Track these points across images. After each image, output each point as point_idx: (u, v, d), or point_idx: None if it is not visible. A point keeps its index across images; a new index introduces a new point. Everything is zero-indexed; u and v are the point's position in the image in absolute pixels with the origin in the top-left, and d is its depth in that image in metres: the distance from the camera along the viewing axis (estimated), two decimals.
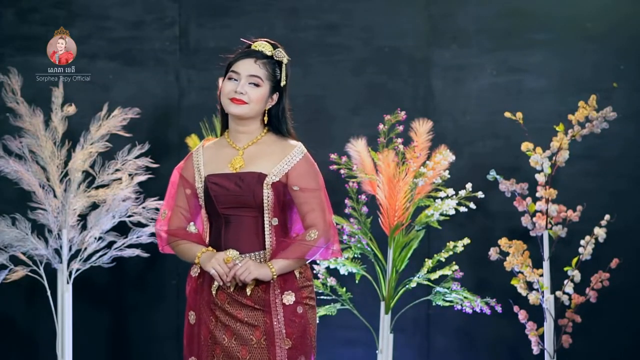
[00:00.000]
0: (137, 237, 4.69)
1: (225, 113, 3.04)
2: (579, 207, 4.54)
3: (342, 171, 4.56)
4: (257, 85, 2.99)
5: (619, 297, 4.82)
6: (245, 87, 2.97)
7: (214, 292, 2.98)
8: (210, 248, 3.02)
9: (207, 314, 2.98)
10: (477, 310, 4.47)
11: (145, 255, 4.77)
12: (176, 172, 3.11)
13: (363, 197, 4.54)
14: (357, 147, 4.52)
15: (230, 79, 3.00)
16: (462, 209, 4.55)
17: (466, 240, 4.53)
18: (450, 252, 4.54)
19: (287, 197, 2.98)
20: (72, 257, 4.69)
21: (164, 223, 3.10)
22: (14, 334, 5.14)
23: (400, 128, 4.52)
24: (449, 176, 4.56)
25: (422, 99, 5.08)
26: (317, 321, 3.10)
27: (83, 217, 4.68)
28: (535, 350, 4.53)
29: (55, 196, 4.61)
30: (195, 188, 3.03)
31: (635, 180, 4.95)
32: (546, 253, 4.55)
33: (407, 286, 4.58)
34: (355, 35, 5.13)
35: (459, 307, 4.51)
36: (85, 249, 4.66)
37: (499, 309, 4.50)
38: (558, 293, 4.54)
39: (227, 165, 2.99)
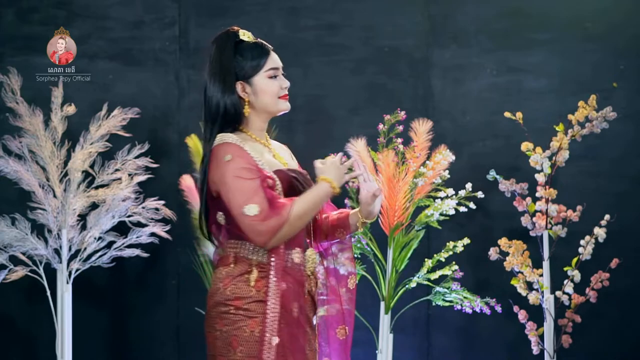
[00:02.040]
0: (137, 237, 4.69)
1: (239, 112, 2.82)
2: (579, 207, 4.54)
3: None
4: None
5: (619, 297, 4.82)
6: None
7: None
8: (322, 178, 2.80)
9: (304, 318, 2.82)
10: (477, 310, 4.46)
11: (145, 255, 4.77)
12: (245, 164, 2.73)
13: None
14: (357, 147, 4.52)
15: (271, 77, 2.85)
16: (462, 209, 4.54)
17: (466, 240, 4.53)
18: (450, 252, 4.54)
19: None
20: (72, 257, 4.68)
21: (268, 209, 2.68)
22: (14, 333, 5.13)
23: (400, 128, 4.52)
24: (448, 176, 4.56)
25: (421, 99, 5.08)
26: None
27: (83, 217, 4.68)
28: (535, 350, 4.53)
29: (55, 196, 4.61)
30: (273, 181, 2.79)
31: (635, 180, 4.95)
32: (546, 253, 4.55)
33: (407, 286, 4.58)
34: (355, 35, 5.13)
35: (458, 307, 4.51)
36: (85, 249, 4.65)
37: (499, 309, 4.49)
38: (558, 293, 4.53)
39: (276, 162, 2.86)
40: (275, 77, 2.86)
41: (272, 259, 2.74)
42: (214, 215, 2.80)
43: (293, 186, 2.80)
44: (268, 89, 2.85)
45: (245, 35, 2.86)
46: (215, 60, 2.82)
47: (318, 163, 2.84)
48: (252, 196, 2.67)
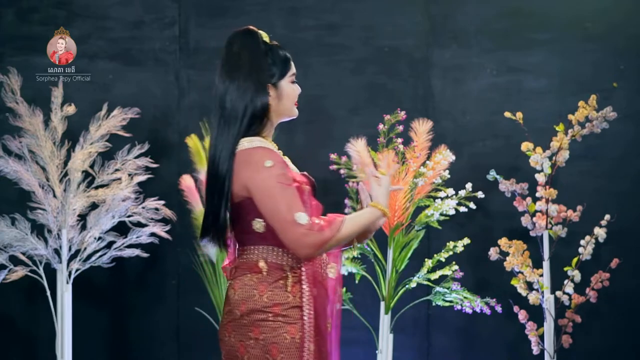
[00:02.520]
0: (137, 237, 4.69)
1: (265, 115, 2.74)
2: (579, 207, 4.54)
3: (342, 171, 4.56)
4: None
5: (619, 297, 4.82)
6: None
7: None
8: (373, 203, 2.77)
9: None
10: (477, 310, 4.46)
11: (145, 255, 4.77)
12: (286, 171, 2.67)
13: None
14: (357, 147, 4.52)
15: (293, 82, 2.82)
16: (462, 209, 4.54)
17: (466, 240, 4.53)
18: (450, 252, 4.54)
19: None
20: (72, 257, 4.68)
21: (318, 220, 2.64)
22: (14, 333, 5.13)
23: (400, 128, 4.52)
24: (449, 176, 4.56)
25: (422, 99, 5.08)
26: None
27: (83, 217, 4.68)
28: (535, 350, 4.53)
29: (54, 196, 4.61)
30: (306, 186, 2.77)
31: (636, 180, 4.95)
32: (546, 253, 4.55)
33: (407, 286, 4.58)
34: (355, 35, 5.13)
35: (459, 307, 4.51)
36: (85, 249, 4.65)
37: (499, 309, 4.49)
38: (558, 293, 4.53)
39: (295, 167, 2.84)
40: (294, 82, 2.84)
41: (303, 264, 2.70)
42: (245, 221, 2.69)
43: (315, 191, 2.78)
44: (291, 94, 2.81)
45: (266, 37, 2.79)
46: (246, 60, 2.72)
47: (374, 181, 2.82)
48: (298, 204, 2.62)
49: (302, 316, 2.65)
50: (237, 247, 2.78)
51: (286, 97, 2.79)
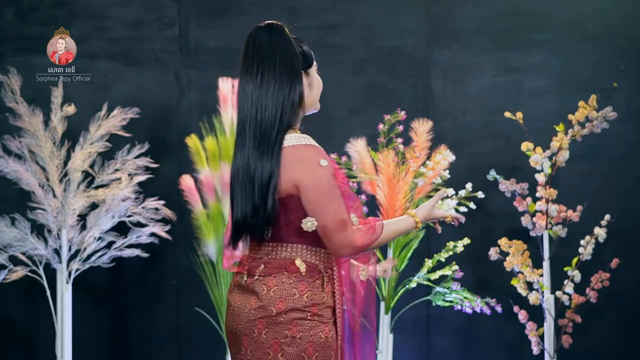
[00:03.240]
0: (137, 237, 4.69)
1: (297, 107, 2.69)
2: (579, 207, 4.54)
3: (342, 171, 4.55)
4: None
5: (619, 297, 4.82)
6: None
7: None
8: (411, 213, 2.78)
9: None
10: (477, 310, 4.46)
11: (145, 255, 4.77)
12: (333, 171, 2.66)
13: (363, 197, 4.54)
14: (357, 147, 4.52)
15: (317, 72, 2.78)
16: (462, 209, 4.54)
17: (466, 240, 4.53)
18: (450, 252, 4.54)
19: None
20: (72, 257, 4.68)
21: (362, 225, 2.66)
22: (14, 333, 5.13)
23: (400, 128, 4.52)
24: (449, 176, 4.56)
25: (422, 99, 5.08)
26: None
27: (82, 217, 4.68)
28: (535, 350, 4.53)
29: (54, 196, 4.61)
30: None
31: (636, 180, 4.95)
32: (546, 253, 4.55)
33: (407, 286, 4.58)
34: (355, 35, 5.13)
35: (459, 307, 4.51)
36: (85, 249, 4.65)
37: (499, 309, 4.49)
38: (558, 293, 4.53)
39: None
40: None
41: (336, 265, 2.70)
42: (288, 218, 2.65)
43: None
44: (319, 83, 2.77)
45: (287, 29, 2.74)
46: (278, 50, 2.65)
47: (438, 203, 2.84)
48: (344, 205, 2.61)
49: (334, 316, 2.66)
50: (256, 242, 2.71)
51: (316, 85, 2.74)
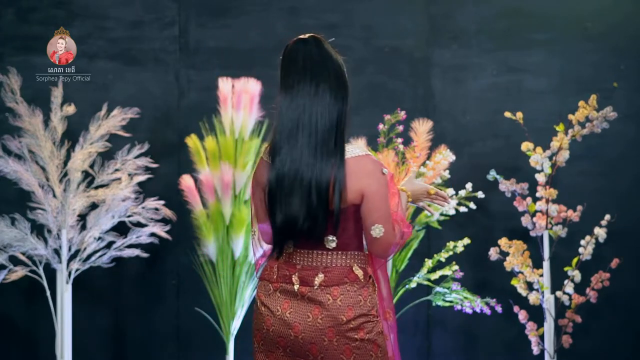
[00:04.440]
0: (137, 237, 4.69)
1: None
2: (579, 207, 4.53)
3: None
4: None
5: (619, 297, 4.82)
6: None
7: None
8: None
9: None
10: (477, 310, 4.46)
11: (145, 255, 4.77)
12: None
13: None
14: None
15: None
16: (462, 209, 4.54)
17: (466, 240, 4.53)
18: (450, 252, 4.54)
19: None
20: (72, 257, 4.68)
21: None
22: (14, 334, 5.13)
23: (400, 128, 4.52)
24: (449, 176, 4.56)
25: (422, 99, 5.08)
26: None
27: (82, 217, 4.68)
28: (535, 350, 4.53)
29: (54, 196, 4.61)
30: None
31: (636, 180, 4.95)
32: (546, 253, 4.55)
33: (407, 286, 4.58)
34: (355, 35, 5.13)
35: (459, 307, 4.50)
36: (85, 249, 4.65)
37: (499, 309, 4.49)
38: (558, 293, 4.53)
39: None
40: None
41: (376, 266, 2.84)
42: (348, 226, 2.75)
43: None
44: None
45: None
46: (331, 63, 2.80)
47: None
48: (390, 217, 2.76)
49: (379, 313, 2.81)
50: (304, 249, 2.78)
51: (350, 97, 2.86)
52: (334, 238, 2.74)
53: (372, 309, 2.76)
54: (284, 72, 2.79)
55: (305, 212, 2.70)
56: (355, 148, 2.75)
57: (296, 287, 2.76)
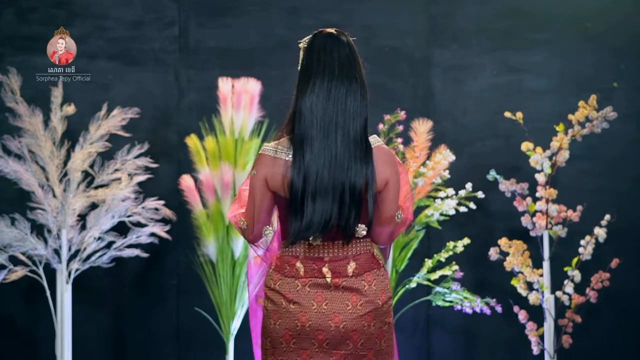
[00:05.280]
0: (137, 237, 4.69)
1: None
2: (579, 207, 4.53)
3: None
4: None
5: (619, 297, 4.82)
6: None
7: None
8: None
9: None
10: (477, 310, 4.46)
11: (145, 255, 4.77)
12: None
13: None
14: None
15: None
16: (462, 209, 4.54)
17: (466, 240, 4.53)
18: (450, 252, 4.54)
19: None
20: (72, 257, 4.68)
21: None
22: (14, 334, 5.13)
23: (400, 128, 4.52)
24: (449, 176, 4.56)
25: (422, 99, 5.07)
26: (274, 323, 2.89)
27: (82, 217, 4.68)
28: (535, 350, 4.53)
29: (54, 196, 4.61)
30: None
31: (636, 180, 4.95)
32: (546, 253, 4.55)
33: (407, 286, 4.58)
34: (355, 35, 5.10)
35: (459, 307, 4.50)
36: (85, 249, 4.65)
37: (499, 309, 4.49)
38: (558, 293, 4.53)
39: None
40: None
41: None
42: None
43: None
44: None
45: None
46: (357, 56, 2.81)
47: None
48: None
49: None
50: (331, 241, 2.78)
51: None
52: (365, 227, 2.76)
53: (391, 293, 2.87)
54: (314, 67, 2.75)
55: (338, 209, 2.71)
56: (373, 138, 2.79)
57: (328, 279, 2.76)
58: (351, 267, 2.77)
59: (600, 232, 4.48)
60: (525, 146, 4.55)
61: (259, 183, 2.77)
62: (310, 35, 2.82)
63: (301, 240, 2.75)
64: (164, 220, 4.74)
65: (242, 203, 2.90)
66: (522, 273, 4.52)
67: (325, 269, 2.76)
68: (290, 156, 2.72)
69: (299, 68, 2.79)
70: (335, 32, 2.80)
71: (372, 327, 2.77)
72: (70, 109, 4.68)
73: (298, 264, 2.77)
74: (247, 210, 2.82)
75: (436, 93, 5.08)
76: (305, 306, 2.75)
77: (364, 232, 2.77)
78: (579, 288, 4.54)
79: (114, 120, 4.70)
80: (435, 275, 4.53)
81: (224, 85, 4.75)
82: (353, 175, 2.70)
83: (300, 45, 2.82)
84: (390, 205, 2.79)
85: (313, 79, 2.73)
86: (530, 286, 4.58)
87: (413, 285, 4.57)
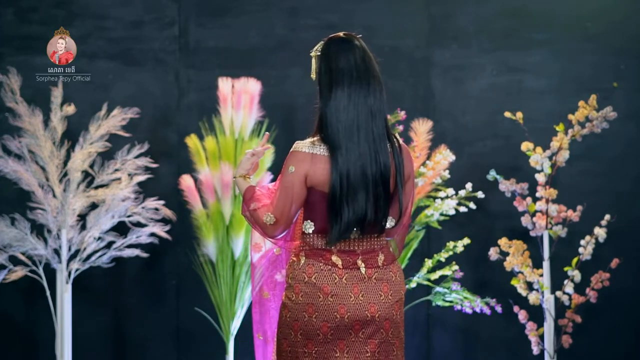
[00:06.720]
0: (137, 237, 4.69)
1: None
2: (579, 207, 4.53)
3: None
4: None
5: (619, 297, 4.82)
6: None
7: None
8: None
9: None
10: (477, 310, 4.46)
11: (145, 255, 4.77)
12: None
13: None
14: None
15: None
16: (462, 209, 4.54)
17: (466, 240, 4.53)
18: (450, 252, 4.54)
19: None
20: (72, 257, 4.68)
21: None
22: (14, 334, 5.13)
23: (400, 128, 4.52)
24: (449, 176, 4.56)
25: (422, 99, 5.07)
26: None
27: (82, 217, 4.68)
28: (535, 350, 4.53)
29: (54, 196, 4.61)
30: None
31: (636, 180, 4.95)
32: (546, 253, 4.55)
33: (407, 286, 4.58)
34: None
35: (459, 307, 4.50)
36: (85, 249, 4.65)
37: (499, 309, 4.49)
38: (558, 293, 4.53)
39: None
40: None
41: None
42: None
43: None
44: None
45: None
46: (373, 61, 2.98)
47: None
48: None
49: None
50: (364, 235, 2.87)
51: None
52: (393, 218, 2.88)
53: None
54: (333, 75, 2.86)
55: (373, 204, 2.82)
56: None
57: (363, 270, 2.86)
58: (380, 258, 2.89)
59: (600, 232, 4.48)
60: (525, 146, 4.55)
61: (298, 179, 2.83)
62: (322, 43, 2.91)
63: (342, 239, 2.85)
64: (164, 220, 4.74)
65: (262, 202, 2.92)
66: (522, 273, 4.52)
67: (359, 261, 2.87)
68: (329, 153, 2.83)
69: (313, 76, 2.89)
70: (345, 36, 2.92)
71: (398, 315, 2.90)
72: (70, 109, 4.68)
73: (334, 258, 2.86)
74: (278, 206, 2.85)
75: (436, 93, 5.08)
76: (343, 297, 2.84)
77: (393, 224, 2.88)
78: (579, 288, 4.54)
79: (114, 120, 4.70)
80: (435, 275, 4.53)
81: (224, 85, 4.75)
82: (382, 167, 2.82)
83: (312, 54, 2.91)
84: (410, 198, 2.93)
85: (334, 87, 2.85)
86: (530, 286, 4.58)
87: (413, 285, 4.57)
